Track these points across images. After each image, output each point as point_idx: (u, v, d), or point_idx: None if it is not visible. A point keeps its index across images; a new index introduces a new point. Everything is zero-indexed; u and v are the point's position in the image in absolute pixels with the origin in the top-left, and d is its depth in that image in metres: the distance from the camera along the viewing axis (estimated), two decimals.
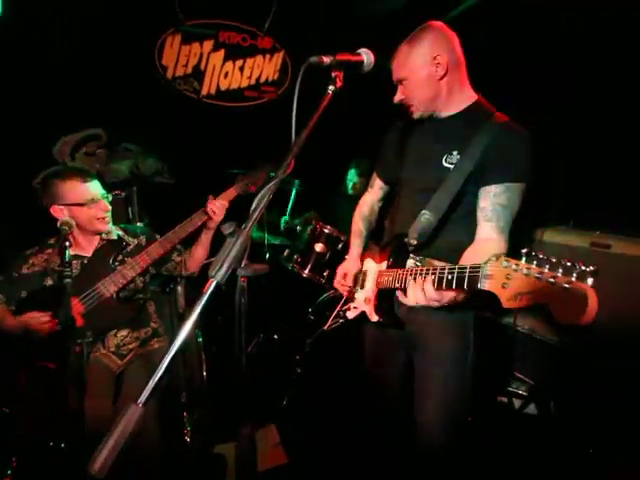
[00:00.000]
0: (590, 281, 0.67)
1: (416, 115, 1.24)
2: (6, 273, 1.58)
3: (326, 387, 2.33)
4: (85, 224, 1.54)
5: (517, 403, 2.24)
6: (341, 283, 1.47)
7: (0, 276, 1.58)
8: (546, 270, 0.72)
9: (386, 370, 1.45)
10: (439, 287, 0.98)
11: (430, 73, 1.17)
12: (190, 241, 1.74)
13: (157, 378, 0.56)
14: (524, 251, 0.76)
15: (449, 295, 1.03)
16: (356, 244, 1.50)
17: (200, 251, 1.73)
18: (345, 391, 2.17)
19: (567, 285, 0.69)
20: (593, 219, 2.13)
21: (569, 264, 0.70)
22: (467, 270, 0.90)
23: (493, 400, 2.25)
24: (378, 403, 1.53)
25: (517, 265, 0.77)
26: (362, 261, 1.47)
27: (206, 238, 1.71)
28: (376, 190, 1.53)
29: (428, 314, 1.24)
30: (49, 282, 1.54)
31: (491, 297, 1.25)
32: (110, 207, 1.59)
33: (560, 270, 0.70)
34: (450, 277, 0.95)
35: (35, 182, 2.63)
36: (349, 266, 1.47)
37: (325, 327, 2.17)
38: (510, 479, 1.80)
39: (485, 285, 0.85)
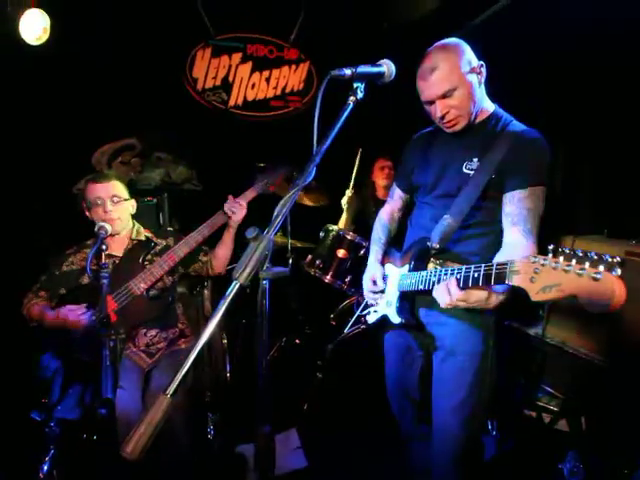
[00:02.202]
0: (617, 271, 0.69)
1: (459, 127, 1.23)
2: (48, 271, 1.70)
3: (346, 392, 2.34)
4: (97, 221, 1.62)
5: (547, 418, 2.15)
6: (372, 290, 1.43)
7: (43, 275, 1.70)
8: (574, 263, 0.73)
9: (406, 375, 1.45)
10: (465, 286, 0.99)
11: (478, 81, 1.20)
12: (215, 243, 1.81)
13: (184, 371, 0.61)
14: (551, 247, 0.78)
15: (477, 295, 1.03)
16: (375, 250, 1.51)
17: (223, 250, 1.79)
18: (365, 396, 2.17)
19: (595, 275, 0.70)
20: (628, 228, 2.05)
21: (596, 256, 0.71)
22: (494, 267, 0.92)
23: (521, 414, 2.17)
24: (398, 408, 1.53)
25: (545, 259, 0.79)
26: (383, 266, 1.48)
27: (228, 237, 1.77)
28: (396, 200, 1.56)
29: (448, 317, 1.25)
30: (85, 280, 1.65)
31: (517, 303, 1.24)
32: (112, 212, 1.62)
33: (587, 262, 0.72)
34: (476, 275, 0.97)
35: (75, 188, 2.82)
36: (374, 271, 1.46)
37: (346, 332, 2.18)
38: None
39: (513, 280, 0.86)
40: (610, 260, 0.70)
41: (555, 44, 2.23)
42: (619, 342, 1.86)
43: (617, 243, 1.99)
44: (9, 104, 2.59)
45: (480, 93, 1.22)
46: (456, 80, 1.16)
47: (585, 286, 0.71)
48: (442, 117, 1.21)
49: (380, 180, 2.80)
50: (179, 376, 0.60)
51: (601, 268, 0.70)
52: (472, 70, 1.18)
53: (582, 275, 0.72)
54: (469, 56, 1.19)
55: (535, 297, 0.80)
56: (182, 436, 1.49)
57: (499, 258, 1.13)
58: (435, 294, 1.08)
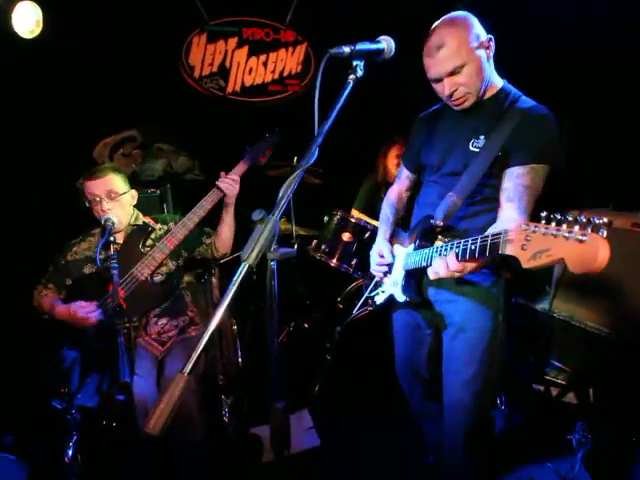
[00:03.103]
0: (604, 232, 0.71)
1: (468, 104, 1.21)
2: (54, 263, 1.72)
3: (356, 373, 2.38)
4: (99, 219, 1.64)
5: (554, 392, 2.18)
6: (380, 263, 1.42)
7: (50, 266, 1.72)
8: (564, 227, 0.75)
9: (415, 353, 1.47)
10: (463, 258, 1.01)
11: (487, 56, 1.17)
12: (216, 226, 1.80)
13: (199, 351, 0.62)
14: (543, 214, 0.79)
15: (470, 266, 1.05)
16: (383, 229, 1.51)
17: (225, 229, 1.78)
18: (374, 377, 2.21)
19: (582, 237, 0.72)
20: (635, 201, 2.03)
21: (584, 219, 0.73)
22: (489, 238, 0.93)
23: (529, 388, 2.20)
24: (408, 386, 1.55)
25: (536, 226, 0.80)
26: (391, 245, 1.48)
27: (227, 216, 1.76)
28: (403, 180, 1.55)
29: (457, 294, 1.26)
30: (89, 270, 1.67)
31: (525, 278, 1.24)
32: (111, 210, 1.62)
33: (576, 226, 0.74)
34: (473, 247, 0.98)
35: (77, 183, 2.83)
36: (380, 247, 1.45)
37: (354, 314, 2.20)
38: (548, 467, 1.78)
39: (506, 249, 0.88)
40: (597, 222, 0.71)
41: (558, 23, 2.17)
42: (627, 314, 1.87)
43: (623, 215, 1.98)
44: (7, 98, 2.59)
45: (489, 68, 1.19)
46: (464, 56, 1.13)
47: (572, 249, 0.73)
48: (450, 95, 1.19)
49: (392, 166, 2.74)
50: (194, 355, 0.62)
51: (588, 229, 0.72)
52: (480, 45, 1.15)
53: (569, 238, 0.73)
54: (477, 30, 1.16)
55: (526, 264, 0.81)
56: (197, 420, 1.53)
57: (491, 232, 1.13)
58: (432, 267, 1.09)
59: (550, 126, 1.15)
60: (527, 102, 1.20)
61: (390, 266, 1.41)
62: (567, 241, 0.73)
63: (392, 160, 2.72)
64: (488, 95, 1.23)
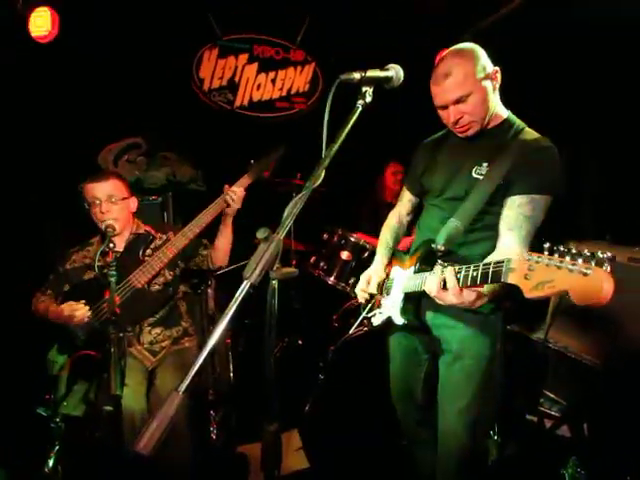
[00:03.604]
0: (607, 267, 0.72)
1: (472, 131, 1.23)
2: (55, 271, 1.72)
3: (348, 394, 2.34)
4: (97, 223, 1.64)
5: (548, 423, 2.15)
6: (362, 289, 1.46)
7: (51, 275, 1.72)
8: (567, 259, 0.76)
9: (411, 377, 1.45)
10: (464, 284, 1.02)
11: (492, 87, 1.21)
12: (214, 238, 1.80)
13: (196, 369, 0.61)
14: (546, 245, 0.81)
15: (469, 296, 1.05)
16: (381, 254, 1.50)
17: (222, 241, 1.77)
18: (367, 398, 2.17)
19: (586, 271, 0.73)
20: (632, 234, 2.05)
21: (588, 253, 0.75)
22: (491, 265, 0.94)
23: (522, 419, 2.17)
24: (402, 410, 1.53)
25: (539, 257, 0.81)
26: (388, 269, 1.49)
27: (226, 228, 1.76)
28: (405, 203, 1.56)
29: (456, 320, 1.25)
30: (88, 276, 1.67)
31: (517, 306, 1.24)
32: (109, 213, 1.62)
33: (580, 259, 0.75)
34: (475, 274, 0.99)
35: (79, 186, 2.83)
36: (373, 272, 1.47)
37: (349, 332, 2.18)
38: None
39: (508, 278, 0.88)
40: (601, 256, 0.73)
41: (557, 49, 2.24)
42: (619, 348, 1.86)
43: (620, 249, 1.99)
44: (17, 100, 2.62)
45: (494, 99, 1.23)
46: (470, 86, 1.16)
47: (576, 281, 0.74)
48: (455, 122, 1.22)
49: (391, 184, 2.82)
50: (191, 373, 0.61)
51: (592, 263, 0.73)
52: (487, 76, 1.19)
53: (573, 271, 0.75)
54: (484, 62, 1.19)
55: (529, 294, 0.82)
56: (184, 434, 1.49)
57: (489, 260, 1.14)
58: (426, 285, 1.10)
59: (553, 158, 1.17)
60: (531, 134, 1.22)
61: (390, 288, 1.41)
62: (571, 274, 0.75)
63: (389, 177, 2.81)
64: (492, 124, 1.26)
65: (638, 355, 1.76)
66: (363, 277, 1.49)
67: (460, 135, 1.26)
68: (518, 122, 1.27)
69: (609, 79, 2.17)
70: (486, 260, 1.12)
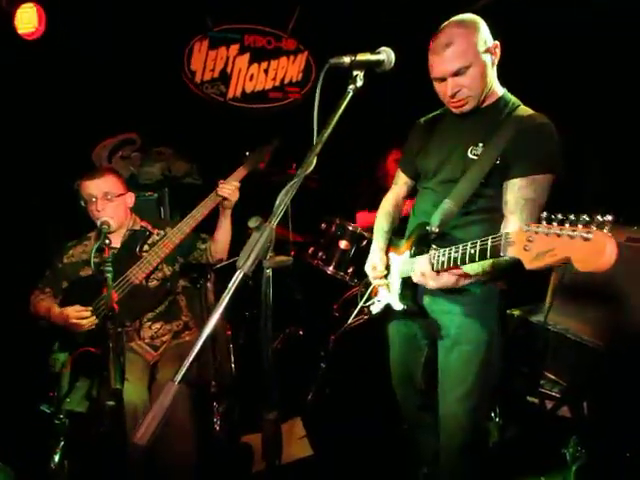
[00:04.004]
0: (607, 229, 0.71)
1: (468, 107, 1.19)
2: (52, 267, 1.71)
3: (350, 382, 2.36)
4: (94, 220, 1.64)
5: (549, 404, 2.17)
6: (375, 276, 1.41)
7: (47, 271, 1.71)
8: (566, 226, 0.75)
9: (411, 363, 1.46)
10: (462, 263, 1.02)
11: (491, 61, 1.17)
12: (212, 231, 1.80)
13: (191, 359, 0.61)
14: (544, 215, 0.79)
15: (449, 279, 1.08)
16: (377, 240, 1.48)
17: (221, 234, 1.77)
18: (368, 386, 2.19)
19: (587, 235, 0.72)
20: (631, 215, 2.04)
21: (587, 218, 0.73)
22: (490, 240, 0.93)
23: (524, 401, 2.19)
24: (402, 395, 1.54)
25: (538, 227, 0.80)
26: (386, 255, 1.48)
27: (225, 221, 1.75)
28: (400, 186, 1.53)
29: (453, 305, 1.25)
30: (84, 272, 1.66)
31: (516, 289, 1.24)
32: (105, 211, 1.61)
33: (579, 224, 0.74)
34: (473, 251, 0.98)
35: (75, 184, 2.82)
36: (375, 258, 1.44)
37: (349, 321, 2.19)
38: None
39: (508, 251, 0.87)
40: (600, 219, 0.71)
41: (561, 29, 2.20)
42: (619, 328, 1.87)
43: (619, 229, 1.99)
44: (7, 99, 2.58)
45: (492, 74, 1.19)
46: (471, 58, 1.12)
47: (578, 247, 0.73)
48: (452, 95, 1.17)
49: (394, 171, 2.77)
50: (186, 363, 0.61)
51: (593, 227, 0.72)
52: (487, 50, 1.15)
53: (574, 237, 0.73)
54: (485, 34, 1.16)
55: (530, 265, 0.81)
56: (187, 427, 1.51)
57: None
58: (416, 266, 1.10)
59: (550, 135, 1.14)
60: (526, 111, 1.19)
61: (386, 275, 1.41)
62: (572, 240, 0.73)
63: (391, 165, 2.76)
64: (488, 102, 1.22)
65: (638, 334, 1.77)
66: (367, 266, 1.45)
67: (455, 111, 1.22)
68: (513, 99, 1.23)
69: (610, 75, 2.14)
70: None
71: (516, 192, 1.13)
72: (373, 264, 1.42)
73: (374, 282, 1.45)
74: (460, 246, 1.02)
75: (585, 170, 2.39)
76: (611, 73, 2.16)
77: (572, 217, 0.75)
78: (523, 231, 0.82)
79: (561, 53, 2.27)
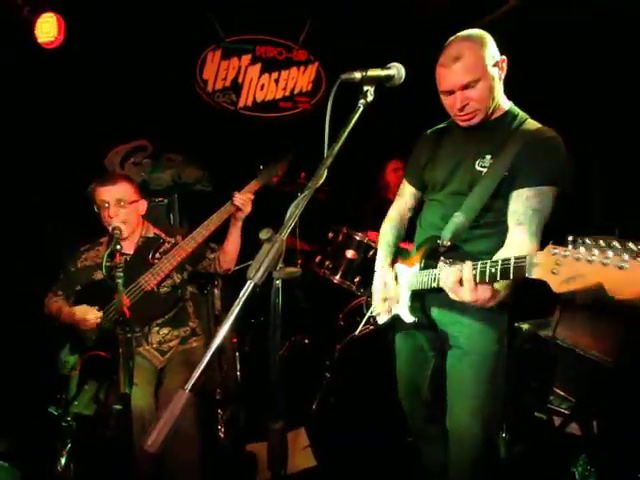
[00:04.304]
0: None
1: (475, 120, 1.20)
2: (65, 270, 1.74)
3: (355, 392, 2.35)
4: (106, 226, 1.66)
5: (557, 421, 2.14)
6: (385, 294, 1.39)
7: (61, 274, 1.75)
8: (597, 252, 0.74)
9: (417, 374, 1.45)
10: (482, 281, 1.00)
11: (499, 76, 1.19)
12: (222, 241, 1.82)
13: (202, 367, 0.63)
14: (570, 238, 0.78)
15: (483, 292, 1.02)
16: (383, 255, 1.46)
17: (230, 245, 1.79)
18: (374, 396, 2.18)
19: (622, 264, 0.71)
20: None
21: (619, 245, 0.72)
22: (512, 261, 0.92)
23: (531, 416, 2.16)
24: (409, 407, 1.53)
25: (566, 250, 0.79)
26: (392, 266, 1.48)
27: (235, 232, 1.77)
28: (406, 198, 1.52)
29: (462, 316, 1.24)
30: (98, 276, 1.69)
31: (524, 303, 1.23)
32: (117, 217, 1.64)
33: (610, 252, 0.73)
34: (494, 270, 0.96)
35: (89, 188, 2.87)
36: (383, 275, 1.41)
37: (355, 333, 2.18)
38: None
39: (533, 273, 0.86)
40: (634, 248, 0.71)
41: (562, 42, 2.21)
42: (630, 344, 1.84)
43: (628, 244, 1.97)
44: (23, 104, 2.65)
45: (499, 88, 1.21)
46: (480, 72, 1.13)
47: (612, 275, 0.72)
48: (461, 109, 1.18)
49: (394, 181, 2.80)
50: (197, 371, 0.62)
51: (625, 257, 0.71)
52: (495, 64, 1.17)
53: (607, 264, 0.72)
54: (493, 49, 1.17)
55: (558, 288, 0.80)
56: (192, 433, 1.51)
57: (501, 255, 1.12)
58: (444, 279, 1.06)
59: (558, 148, 1.15)
60: (534, 124, 1.21)
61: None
62: (605, 267, 0.73)
63: (391, 174, 2.79)
64: (495, 115, 1.23)
65: None
66: (377, 284, 1.42)
67: (463, 124, 1.23)
68: (521, 113, 1.25)
69: (613, 76, 2.15)
70: (499, 256, 1.11)
71: (524, 202, 1.13)
72: (385, 280, 1.40)
73: (379, 304, 1.43)
74: (478, 264, 1.01)
75: (588, 175, 2.38)
76: (611, 73, 2.15)
77: (602, 243, 0.74)
78: (550, 254, 0.81)
79: (561, 53, 2.27)
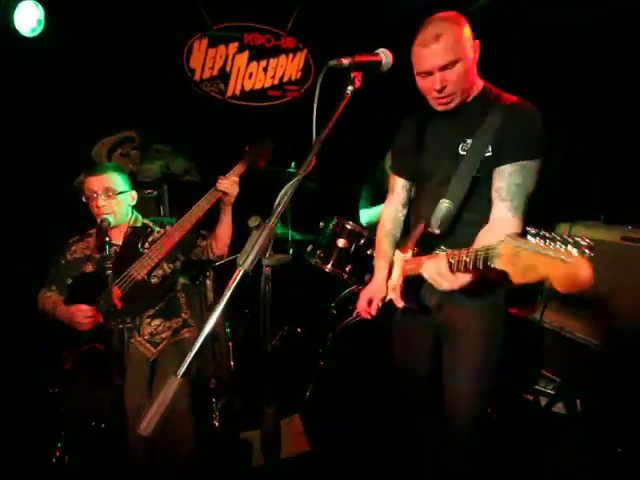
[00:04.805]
0: (587, 253, 0.72)
1: (452, 105, 1.19)
2: (55, 264, 1.72)
3: (348, 378, 2.38)
4: (95, 216, 1.65)
5: (544, 401, 2.20)
6: (365, 309, 1.40)
7: (52, 268, 1.72)
8: (551, 246, 0.76)
9: (414, 356, 1.46)
10: (458, 270, 1.02)
11: (475, 58, 1.18)
12: (213, 227, 1.80)
13: (193, 354, 0.63)
14: (532, 231, 0.80)
15: (463, 278, 1.05)
16: (381, 266, 1.41)
17: (222, 230, 1.77)
18: (366, 383, 2.22)
19: (566, 258, 0.73)
20: (626, 214, 2.06)
21: (570, 239, 0.74)
22: (482, 251, 0.94)
23: (519, 397, 2.22)
24: (405, 390, 1.55)
25: (525, 243, 0.81)
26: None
27: (225, 217, 1.76)
28: (399, 193, 1.48)
29: (457, 299, 1.24)
30: (88, 268, 1.67)
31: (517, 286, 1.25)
32: (106, 207, 1.63)
33: (560, 245, 0.75)
34: (467, 259, 0.98)
35: (76, 181, 2.82)
36: (375, 291, 1.39)
37: (347, 321, 2.21)
38: (535, 478, 1.79)
39: (496, 263, 0.88)
40: (582, 243, 0.73)
41: (554, 22, 2.21)
42: (613, 326, 1.90)
43: (614, 229, 2.01)
44: (6, 98, 2.59)
45: (474, 72, 1.20)
46: (459, 52, 1.11)
47: (557, 268, 0.74)
48: (439, 91, 1.15)
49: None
50: (188, 358, 0.63)
51: (573, 251, 0.73)
52: (471, 46, 1.16)
53: (555, 257, 0.74)
54: (469, 31, 1.16)
55: (515, 279, 0.82)
56: (187, 422, 1.52)
57: (484, 233, 1.14)
58: (424, 270, 1.08)
59: (536, 120, 1.14)
60: (509, 98, 1.20)
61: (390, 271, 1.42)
62: (553, 260, 0.75)
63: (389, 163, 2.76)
64: (472, 97, 1.23)
65: (632, 332, 1.80)
66: (364, 295, 1.42)
67: (440, 108, 1.21)
68: (494, 89, 1.24)
69: (609, 75, 2.15)
70: (481, 235, 1.13)
71: (507, 178, 1.13)
72: (370, 296, 1.39)
73: (361, 313, 1.44)
74: (457, 253, 1.02)
75: (583, 169, 2.41)
76: (611, 73, 2.17)
77: (557, 237, 0.76)
78: (512, 245, 0.83)
79: (560, 53, 2.28)
